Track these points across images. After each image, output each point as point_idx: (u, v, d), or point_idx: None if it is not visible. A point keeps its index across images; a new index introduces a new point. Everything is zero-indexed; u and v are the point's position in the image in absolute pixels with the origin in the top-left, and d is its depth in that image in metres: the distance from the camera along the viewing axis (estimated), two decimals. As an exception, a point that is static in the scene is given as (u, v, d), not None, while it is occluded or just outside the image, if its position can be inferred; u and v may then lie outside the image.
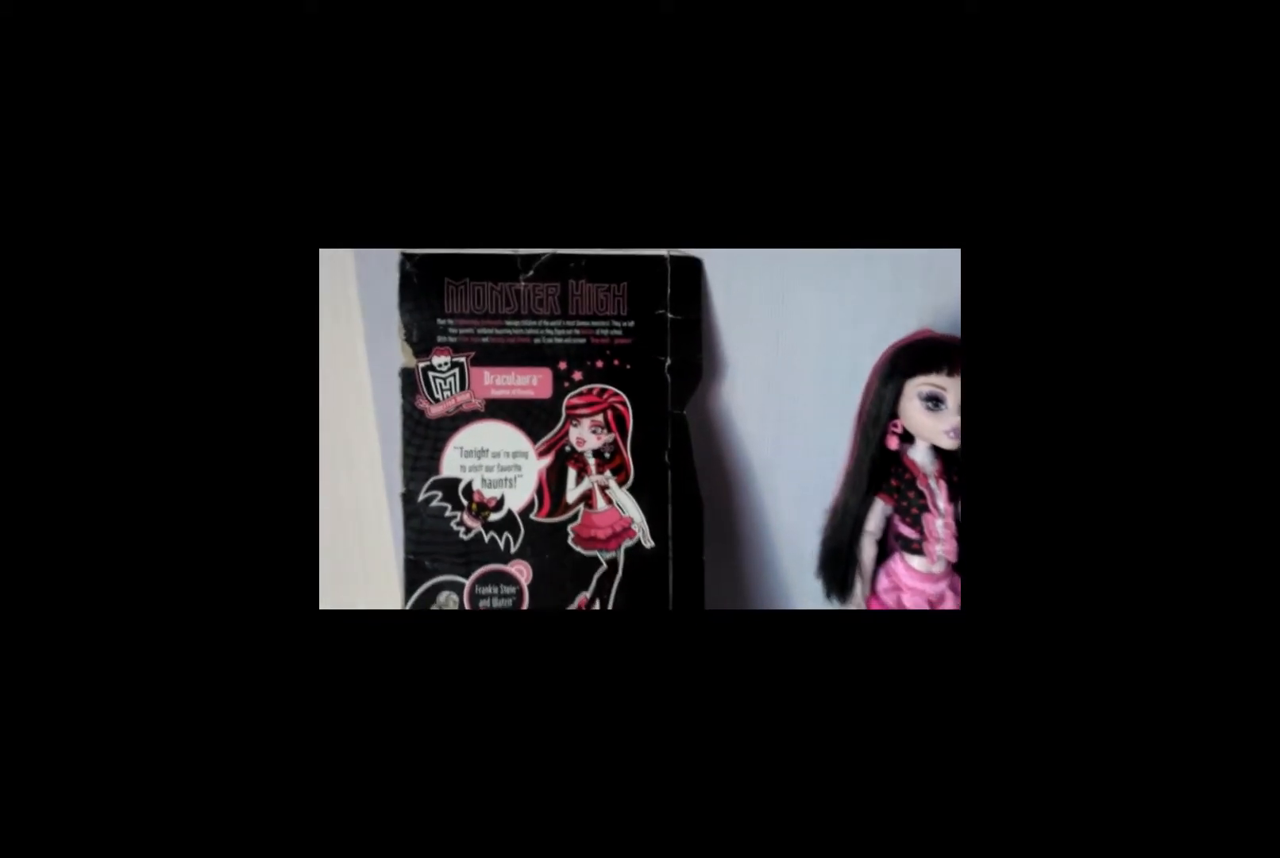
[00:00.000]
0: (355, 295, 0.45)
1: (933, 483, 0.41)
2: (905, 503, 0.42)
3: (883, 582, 0.44)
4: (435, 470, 0.45)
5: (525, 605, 0.45)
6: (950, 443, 0.39)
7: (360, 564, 0.49)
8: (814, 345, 0.48)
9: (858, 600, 0.44)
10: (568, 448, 0.46)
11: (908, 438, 0.42)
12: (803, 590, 0.51)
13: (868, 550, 0.43)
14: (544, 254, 0.45)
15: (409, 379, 0.45)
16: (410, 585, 0.45)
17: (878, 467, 0.41)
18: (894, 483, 0.42)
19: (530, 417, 0.45)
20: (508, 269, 0.45)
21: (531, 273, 0.45)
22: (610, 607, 0.46)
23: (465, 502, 0.45)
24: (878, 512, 0.42)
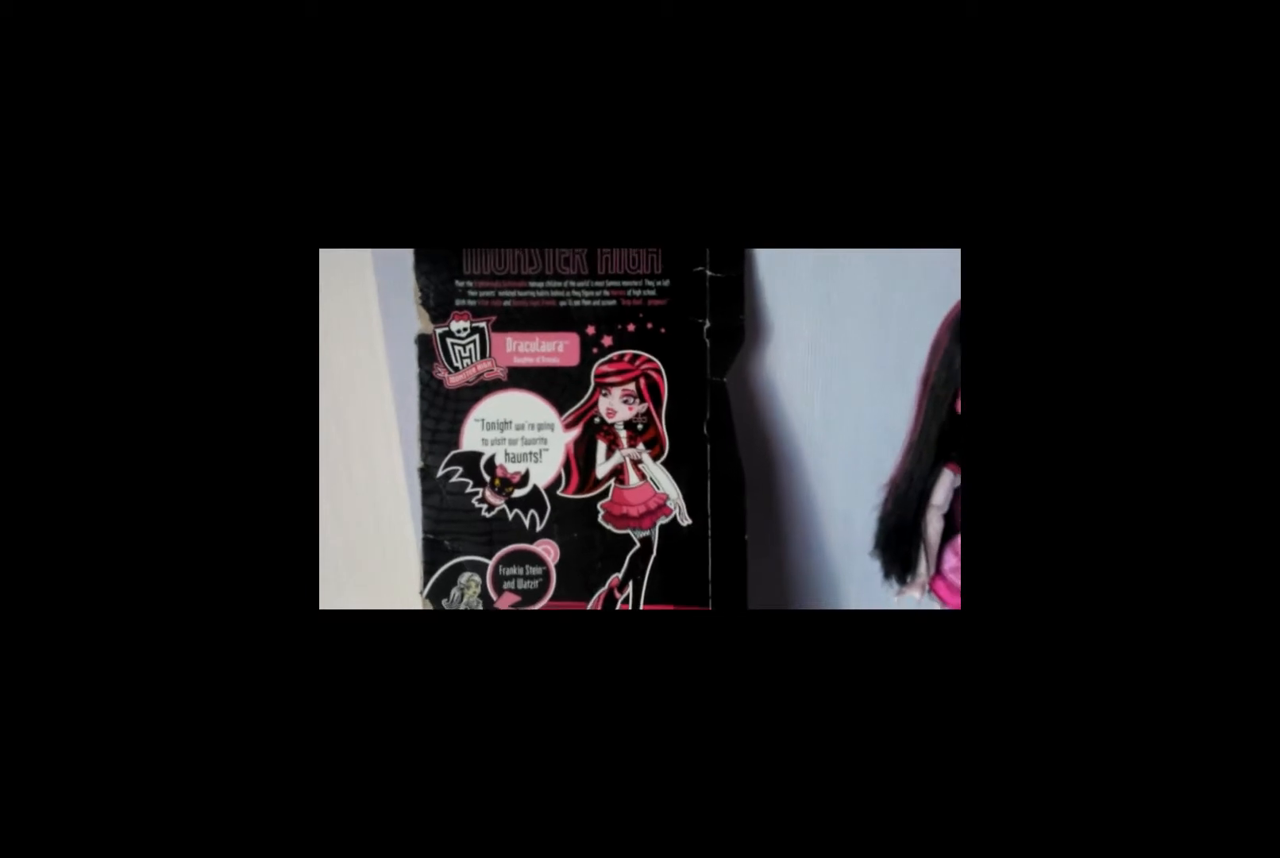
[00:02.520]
0: (369, 255, 0.43)
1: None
2: (975, 473, 0.37)
3: (949, 560, 0.39)
4: (455, 444, 0.42)
5: (553, 587, 0.42)
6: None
7: (377, 543, 0.46)
8: (867, 307, 0.44)
9: (921, 581, 0.39)
10: (597, 419, 0.42)
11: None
12: (852, 575, 0.47)
13: (934, 526, 0.39)
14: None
15: (426, 346, 0.42)
16: (429, 566, 0.42)
17: (946, 434, 0.37)
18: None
19: (556, 386, 0.42)
20: (531, 226, 0.42)
21: (556, 230, 0.42)
22: (644, 588, 0.42)
23: (487, 477, 0.42)
24: (945, 483, 0.38)
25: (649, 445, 0.42)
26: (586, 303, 0.42)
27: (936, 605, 0.41)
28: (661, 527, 0.42)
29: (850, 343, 0.44)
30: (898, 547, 0.39)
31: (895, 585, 0.40)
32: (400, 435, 0.45)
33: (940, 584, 0.40)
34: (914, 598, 0.40)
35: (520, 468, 0.42)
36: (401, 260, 0.42)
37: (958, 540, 0.40)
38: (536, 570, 0.42)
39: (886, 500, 0.40)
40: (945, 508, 0.39)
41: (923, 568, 0.39)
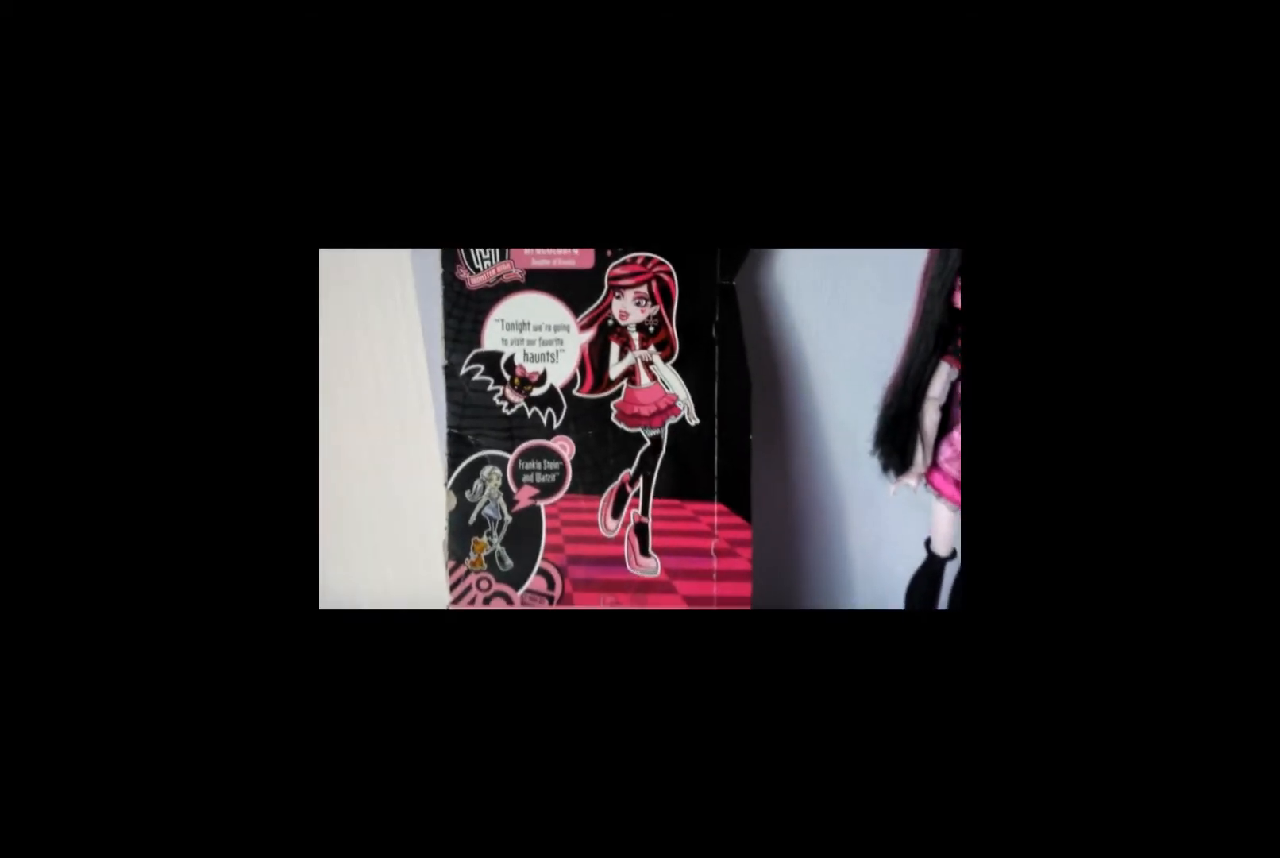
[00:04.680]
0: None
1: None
2: (972, 366, 0.39)
3: (945, 452, 0.41)
4: (477, 343, 0.44)
5: (569, 480, 0.45)
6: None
7: (400, 439, 0.49)
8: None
9: (918, 471, 0.41)
10: (610, 321, 0.44)
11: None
12: (855, 482, 0.49)
13: (930, 416, 0.40)
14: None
15: (449, 249, 0.44)
16: (453, 459, 0.44)
17: (943, 328, 0.38)
18: (960, 344, 0.39)
19: (572, 288, 0.44)
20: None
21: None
22: (654, 483, 0.44)
23: (507, 376, 0.44)
24: (943, 375, 0.39)
25: (660, 347, 0.44)
26: (601, 208, 0.43)
27: (931, 496, 0.43)
28: (671, 425, 0.44)
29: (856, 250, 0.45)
30: (894, 438, 0.41)
31: (893, 477, 0.42)
32: (424, 335, 0.47)
33: (936, 475, 0.42)
34: (909, 486, 0.42)
35: (538, 368, 0.44)
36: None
37: (954, 433, 0.41)
38: (554, 465, 0.44)
39: (886, 395, 0.41)
40: (942, 400, 0.40)
41: (919, 458, 0.41)
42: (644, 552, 0.45)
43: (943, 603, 0.46)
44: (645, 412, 0.44)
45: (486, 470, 0.45)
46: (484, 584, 0.45)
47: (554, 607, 0.45)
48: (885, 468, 0.42)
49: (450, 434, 0.45)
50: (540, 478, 0.45)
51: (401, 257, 0.46)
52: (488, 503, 0.45)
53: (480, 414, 0.44)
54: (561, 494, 0.45)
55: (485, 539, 0.45)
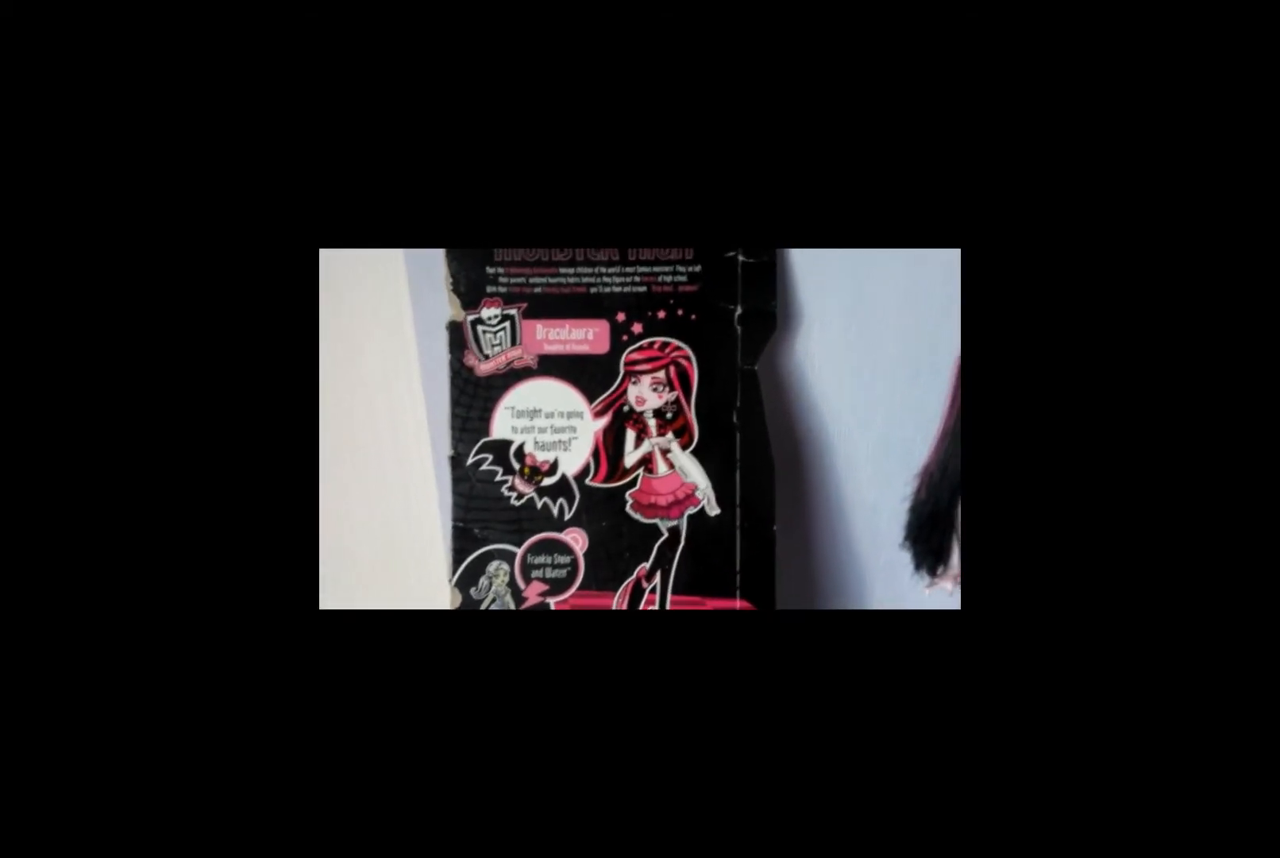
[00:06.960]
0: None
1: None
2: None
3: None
4: (485, 432, 0.42)
5: (580, 576, 0.42)
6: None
7: (406, 532, 0.47)
8: (901, 293, 0.43)
9: (954, 571, 0.39)
10: (626, 408, 0.42)
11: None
12: (879, 565, 0.46)
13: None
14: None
15: (457, 334, 0.42)
16: (458, 554, 0.42)
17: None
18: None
19: (586, 374, 0.42)
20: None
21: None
22: (672, 578, 0.42)
23: (517, 465, 0.42)
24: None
25: (678, 434, 0.42)
26: (617, 289, 0.42)
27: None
28: (689, 516, 0.42)
29: (882, 331, 0.43)
30: (930, 537, 0.38)
31: (926, 578, 0.40)
32: (430, 423, 0.45)
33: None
34: (945, 590, 0.40)
35: (549, 456, 0.42)
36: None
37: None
38: (565, 559, 0.42)
39: (919, 490, 0.39)
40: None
41: (955, 559, 0.39)
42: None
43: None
44: (662, 502, 0.42)
45: (493, 566, 0.42)
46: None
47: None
48: (918, 567, 0.40)
49: (455, 527, 0.42)
50: (550, 573, 0.42)
51: (407, 338, 0.44)
52: (494, 600, 0.42)
53: (487, 506, 0.42)
54: (573, 590, 0.42)
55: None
